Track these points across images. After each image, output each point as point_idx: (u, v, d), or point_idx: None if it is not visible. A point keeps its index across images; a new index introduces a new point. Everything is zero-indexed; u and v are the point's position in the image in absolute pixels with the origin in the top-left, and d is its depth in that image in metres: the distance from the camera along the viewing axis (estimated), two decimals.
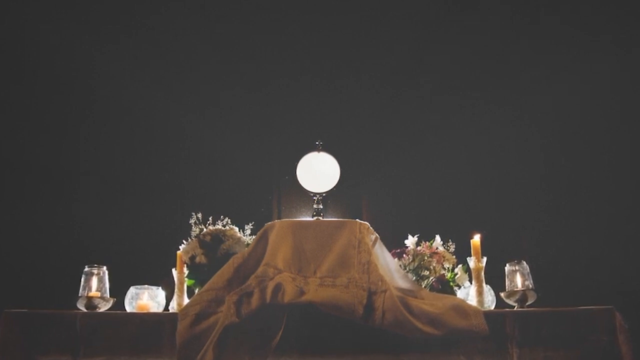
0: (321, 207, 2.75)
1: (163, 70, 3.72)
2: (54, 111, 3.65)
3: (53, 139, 3.61)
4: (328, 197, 2.95)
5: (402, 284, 2.42)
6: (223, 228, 2.70)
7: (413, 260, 2.66)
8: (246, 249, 2.49)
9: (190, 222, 2.74)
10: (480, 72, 3.76)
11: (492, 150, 3.66)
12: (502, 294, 2.57)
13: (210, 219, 2.75)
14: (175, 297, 2.62)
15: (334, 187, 2.77)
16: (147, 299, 2.61)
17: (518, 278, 2.55)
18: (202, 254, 2.61)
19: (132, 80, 3.66)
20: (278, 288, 2.24)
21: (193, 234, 2.71)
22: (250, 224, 2.76)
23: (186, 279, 2.63)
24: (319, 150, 2.79)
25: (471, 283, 2.63)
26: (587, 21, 3.70)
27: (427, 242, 2.76)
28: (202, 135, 3.69)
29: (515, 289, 2.53)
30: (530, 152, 3.67)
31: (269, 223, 2.47)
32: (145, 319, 2.35)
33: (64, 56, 3.67)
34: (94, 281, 2.52)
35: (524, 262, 2.59)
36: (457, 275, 2.70)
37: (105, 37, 3.69)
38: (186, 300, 2.56)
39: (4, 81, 3.59)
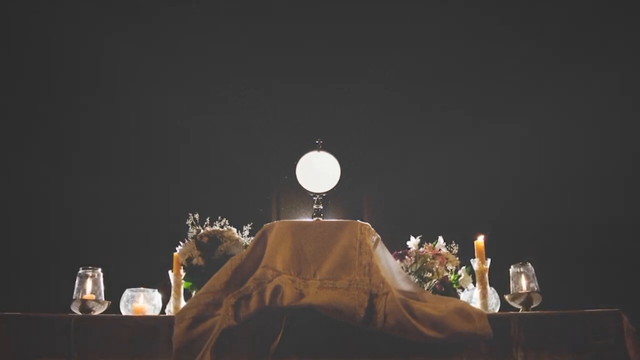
0: (321, 207, 2.72)
1: (162, 71, 3.71)
2: (52, 111, 3.63)
3: (50, 138, 3.59)
4: (328, 197, 2.92)
5: (404, 286, 2.40)
6: (221, 229, 2.68)
7: (415, 262, 2.65)
8: (244, 250, 2.46)
9: (187, 223, 2.71)
10: (480, 71, 3.75)
11: (495, 150, 3.65)
12: (506, 297, 2.55)
13: (207, 219, 2.72)
14: (171, 299, 2.59)
15: (334, 187, 2.75)
16: (143, 302, 2.58)
17: (523, 280, 2.54)
18: (200, 255, 2.59)
19: (131, 80, 3.64)
20: (277, 291, 2.22)
21: (190, 235, 2.69)
22: (248, 225, 2.74)
23: (183, 281, 2.61)
24: (319, 150, 2.76)
25: (475, 285, 2.61)
26: (588, 21, 3.68)
27: (430, 244, 2.74)
28: (199, 134, 3.68)
29: (520, 292, 2.52)
30: (534, 153, 3.68)
31: (268, 224, 2.45)
32: (141, 322, 2.32)
33: (64, 56, 3.65)
34: (89, 283, 2.50)
35: (529, 264, 2.57)
36: (461, 278, 2.68)
37: (106, 36, 3.66)
38: (183, 303, 2.54)
39: (3, 77, 3.56)
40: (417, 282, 2.58)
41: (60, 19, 3.63)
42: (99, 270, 2.55)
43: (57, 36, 3.62)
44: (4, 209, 3.40)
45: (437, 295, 2.50)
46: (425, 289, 2.57)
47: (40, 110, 3.63)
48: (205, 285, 2.33)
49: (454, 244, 2.74)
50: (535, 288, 2.50)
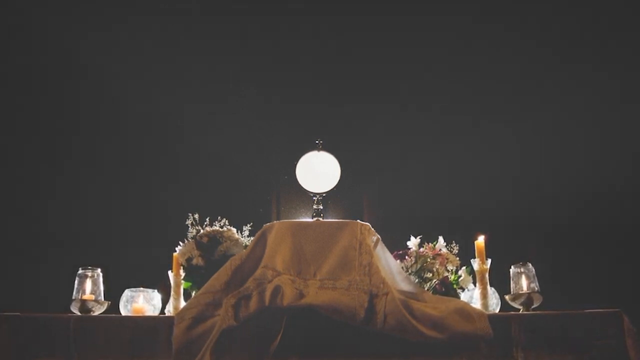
0: (321, 207, 2.71)
1: (162, 70, 3.69)
2: (51, 110, 3.63)
3: (49, 138, 3.58)
4: (328, 197, 2.91)
5: (405, 286, 2.39)
6: (220, 229, 2.67)
7: (415, 262, 2.64)
8: (244, 250, 2.45)
9: (187, 223, 2.71)
10: (480, 71, 3.74)
11: (496, 150, 3.63)
12: (507, 297, 2.54)
13: (207, 219, 2.71)
14: (171, 300, 2.59)
15: (334, 186, 2.74)
16: (142, 302, 2.57)
17: (523, 280, 2.53)
18: (199, 255, 2.58)
19: (131, 79, 3.63)
20: (277, 291, 2.21)
21: (190, 235, 2.68)
22: (248, 225, 2.74)
23: (183, 281, 2.61)
24: (319, 149, 2.75)
25: (475, 285, 2.60)
26: (587, 20, 3.68)
27: (430, 244, 2.73)
28: (199, 134, 3.66)
29: (521, 292, 2.51)
30: (534, 153, 3.66)
31: (268, 224, 2.44)
32: (140, 322, 2.32)
33: (64, 56, 3.63)
34: (88, 284, 2.49)
35: (530, 264, 2.56)
36: (461, 278, 2.67)
37: (106, 33, 3.65)
38: (183, 304, 2.53)
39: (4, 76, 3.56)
40: (417, 282, 2.57)
41: (58, 15, 3.61)
42: (99, 270, 2.54)
43: (56, 34, 3.61)
44: (3, 209, 3.39)
45: (437, 295, 2.49)
46: (426, 289, 2.57)
47: (39, 109, 3.62)
48: (205, 285, 2.32)
49: (454, 244, 2.74)
50: (536, 288, 2.50)
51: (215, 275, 2.34)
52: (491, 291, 2.56)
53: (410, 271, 2.61)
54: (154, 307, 2.59)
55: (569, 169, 3.58)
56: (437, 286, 2.61)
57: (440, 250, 2.69)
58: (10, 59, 3.63)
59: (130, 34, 3.68)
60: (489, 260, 2.58)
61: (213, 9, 3.79)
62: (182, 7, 3.76)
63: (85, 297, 2.45)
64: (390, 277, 2.35)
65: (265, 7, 3.80)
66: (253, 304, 2.21)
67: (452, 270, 2.66)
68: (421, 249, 2.69)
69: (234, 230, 2.69)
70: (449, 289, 2.61)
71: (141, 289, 2.60)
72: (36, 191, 3.47)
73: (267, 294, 2.21)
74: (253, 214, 3.51)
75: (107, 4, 3.70)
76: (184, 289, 2.60)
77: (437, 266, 2.61)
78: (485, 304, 2.49)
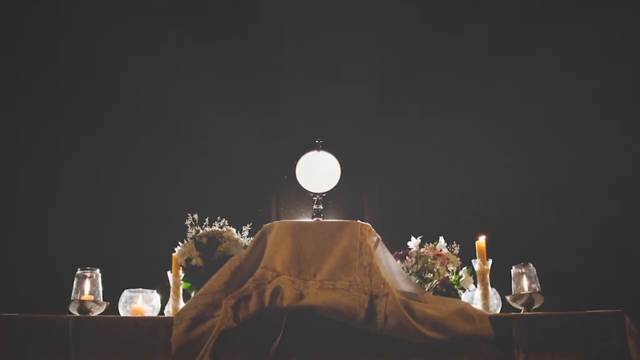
0: (321, 207, 2.71)
1: (162, 70, 3.69)
2: (51, 111, 3.61)
3: (49, 138, 3.58)
4: (328, 197, 2.90)
5: (405, 287, 2.39)
6: (220, 229, 2.67)
7: (416, 262, 2.63)
8: (244, 251, 2.45)
9: (186, 223, 2.70)
10: (483, 71, 3.73)
11: (496, 150, 3.63)
12: (508, 298, 2.54)
13: (206, 220, 2.71)
14: (170, 300, 2.59)
15: (335, 186, 2.73)
16: (141, 303, 2.57)
17: (524, 281, 2.52)
18: (199, 256, 2.58)
19: (131, 79, 3.62)
20: (277, 291, 2.21)
21: (189, 235, 2.68)
22: (248, 225, 2.74)
23: (182, 282, 2.60)
24: (319, 149, 2.75)
25: (476, 286, 2.59)
26: (585, 18, 3.67)
27: (431, 244, 2.72)
28: (199, 134, 3.65)
29: (522, 292, 2.51)
30: (535, 153, 3.65)
31: (267, 224, 2.44)
32: (139, 323, 2.31)
33: (63, 56, 3.62)
34: (87, 284, 2.48)
35: (531, 265, 2.56)
36: (462, 278, 2.67)
37: (106, 32, 3.63)
38: (182, 304, 2.53)
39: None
40: (418, 282, 2.57)
41: (58, 15, 3.61)
42: (97, 270, 2.53)
43: (55, 32, 3.60)
44: (2, 210, 3.38)
45: (438, 296, 2.49)
46: (426, 289, 2.56)
47: (39, 109, 3.61)
48: (205, 286, 2.32)
49: (455, 245, 2.73)
50: (537, 289, 2.49)
51: (214, 276, 2.33)
52: (492, 292, 2.55)
53: (410, 272, 2.61)
54: (153, 308, 2.58)
55: (570, 169, 3.57)
56: (437, 287, 2.60)
57: (441, 250, 2.68)
58: (10, 59, 3.62)
59: (130, 32, 3.67)
60: (490, 261, 2.57)
61: (213, 7, 3.79)
62: (184, 8, 3.76)
63: (84, 297, 2.44)
64: (390, 278, 2.35)
65: (266, 7, 3.80)
66: (252, 304, 2.20)
67: (452, 270, 2.66)
68: (422, 250, 2.68)
69: (234, 230, 2.69)
70: (449, 290, 2.61)
71: (140, 289, 2.60)
72: (36, 191, 3.47)
73: (267, 294, 2.20)
74: (253, 214, 3.51)
75: (107, 3, 3.69)
76: (183, 290, 2.59)
77: (437, 267, 2.61)
78: (486, 305, 2.48)
